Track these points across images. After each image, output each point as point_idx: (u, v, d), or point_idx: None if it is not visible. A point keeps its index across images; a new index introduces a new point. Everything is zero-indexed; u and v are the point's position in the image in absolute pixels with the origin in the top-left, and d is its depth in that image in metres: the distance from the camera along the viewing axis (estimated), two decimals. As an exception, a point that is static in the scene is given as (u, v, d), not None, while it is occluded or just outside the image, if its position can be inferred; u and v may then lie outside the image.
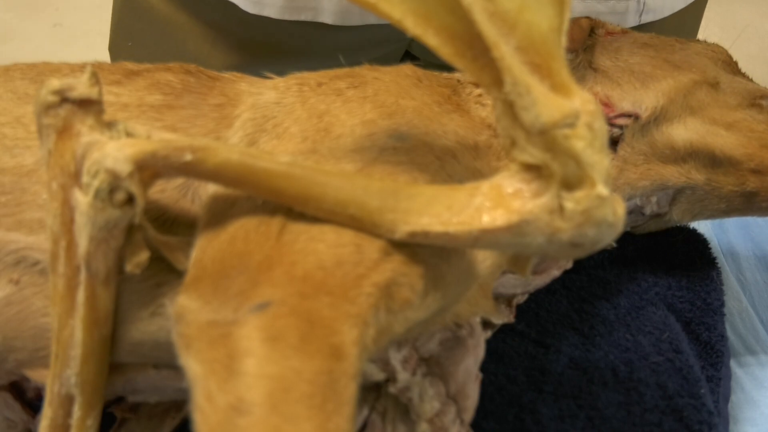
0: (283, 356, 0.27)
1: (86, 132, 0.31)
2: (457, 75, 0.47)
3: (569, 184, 0.28)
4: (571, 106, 0.28)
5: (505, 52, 0.28)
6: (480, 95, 0.45)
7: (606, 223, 0.28)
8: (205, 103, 0.41)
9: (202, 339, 0.28)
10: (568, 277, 0.53)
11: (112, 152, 0.29)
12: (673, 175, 0.48)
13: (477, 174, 0.39)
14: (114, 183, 0.29)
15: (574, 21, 0.51)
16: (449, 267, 0.34)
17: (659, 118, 0.47)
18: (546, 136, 0.28)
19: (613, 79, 0.48)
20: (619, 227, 0.28)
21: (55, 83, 0.31)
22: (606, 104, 0.47)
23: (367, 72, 0.44)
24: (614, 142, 0.47)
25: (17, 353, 0.35)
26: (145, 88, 0.41)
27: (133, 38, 0.74)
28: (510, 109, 0.29)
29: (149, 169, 0.30)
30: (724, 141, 0.47)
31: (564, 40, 0.29)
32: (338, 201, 0.31)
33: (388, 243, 0.31)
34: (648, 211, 0.50)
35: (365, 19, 0.66)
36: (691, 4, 0.72)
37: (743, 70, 0.54)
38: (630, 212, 0.49)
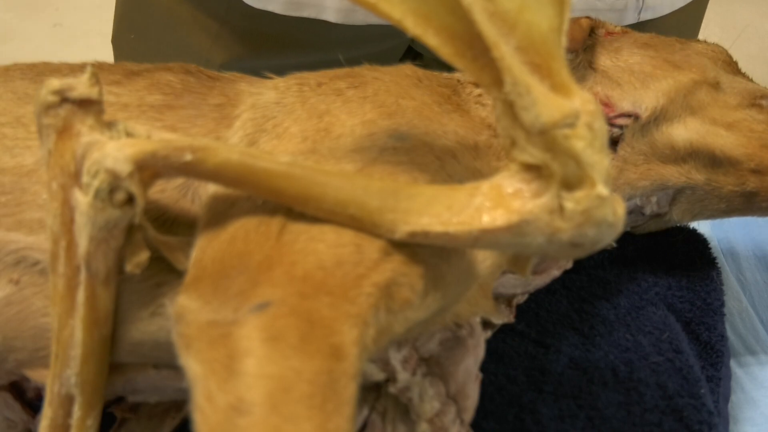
0: (283, 356, 0.27)
1: (86, 132, 0.31)
2: (457, 75, 0.47)
3: (569, 184, 0.28)
4: (571, 106, 0.28)
5: (505, 52, 0.28)
6: (480, 95, 0.45)
7: (606, 223, 0.28)
8: (205, 103, 0.41)
9: (202, 339, 0.28)
10: (568, 277, 0.53)
11: (112, 152, 0.29)
12: (673, 175, 0.48)
13: (477, 174, 0.38)
14: (114, 183, 0.29)
15: (574, 21, 0.51)
16: (449, 267, 0.34)
17: (659, 118, 0.47)
18: (546, 136, 0.28)
19: (613, 79, 0.48)
20: (619, 227, 0.28)
21: (55, 83, 0.31)
22: (606, 104, 0.47)
23: (367, 72, 0.44)
24: (614, 142, 0.47)
25: (17, 353, 0.35)
26: (145, 88, 0.41)
27: (136, 31, 0.74)
28: (510, 109, 0.29)
29: (149, 169, 0.30)
30: (724, 141, 0.47)
31: (564, 40, 0.29)
32: (338, 201, 0.31)
33: (388, 243, 0.31)
34: (648, 211, 0.50)
35: (368, 18, 0.66)
36: (692, 3, 0.72)
37: (743, 70, 0.54)
38: (630, 212, 0.49)
